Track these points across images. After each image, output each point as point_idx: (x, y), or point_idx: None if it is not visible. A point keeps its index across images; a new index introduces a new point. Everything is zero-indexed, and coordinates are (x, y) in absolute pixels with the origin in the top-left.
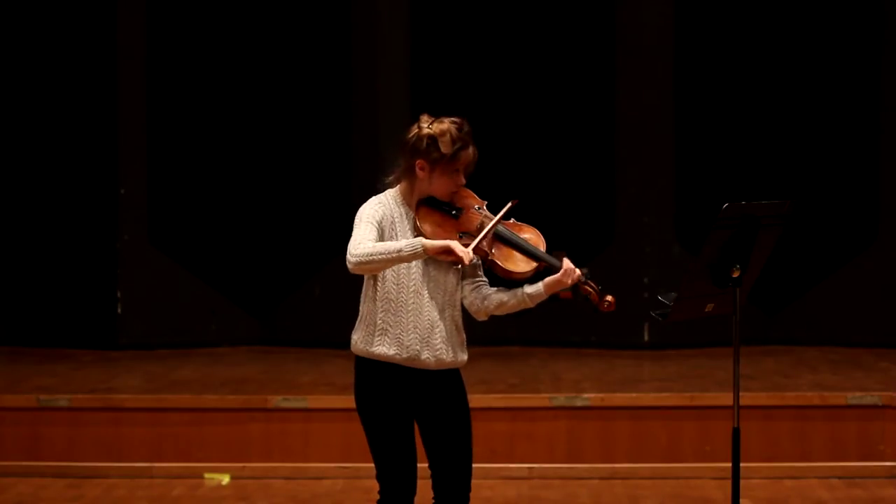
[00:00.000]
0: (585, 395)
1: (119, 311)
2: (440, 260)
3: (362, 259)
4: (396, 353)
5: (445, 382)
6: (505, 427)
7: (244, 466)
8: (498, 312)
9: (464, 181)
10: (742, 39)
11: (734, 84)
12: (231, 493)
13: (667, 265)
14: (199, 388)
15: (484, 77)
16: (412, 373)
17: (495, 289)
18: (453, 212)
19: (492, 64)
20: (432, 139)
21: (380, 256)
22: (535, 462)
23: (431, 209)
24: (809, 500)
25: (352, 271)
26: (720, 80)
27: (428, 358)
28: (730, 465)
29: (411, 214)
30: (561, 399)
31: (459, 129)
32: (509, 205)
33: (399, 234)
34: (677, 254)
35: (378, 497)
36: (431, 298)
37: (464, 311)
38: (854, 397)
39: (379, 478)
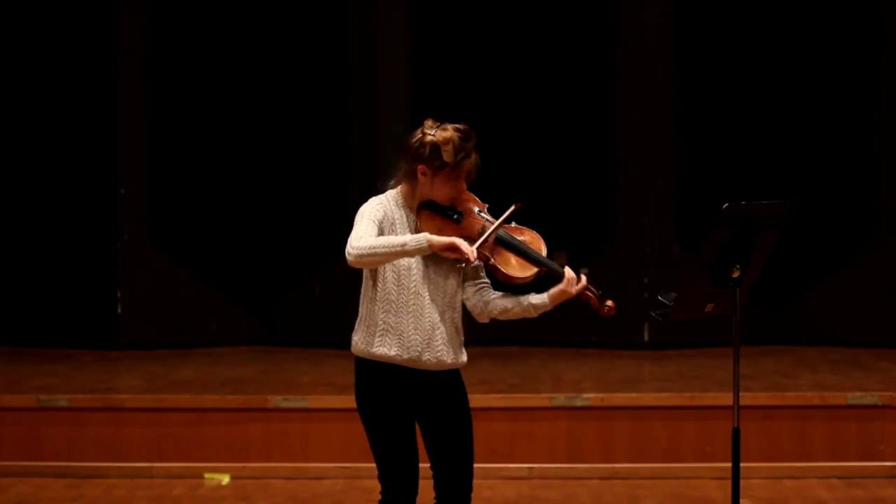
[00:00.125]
0: (585, 395)
1: (119, 311)
2: (444, 258)
3: (364, 251)
4: (398, 354)
5: (446, 383)
6: (505, 427)
7: (244, 466)
8: (501, 318)
9: (465, 187)
10: (742, 39)
11: (734, 84)
12: (231, 493)
13: (667, 265)
14: (199, 388)
15: (484, 77)
16: (413, 373)
17: (499, 294)
18: (455, 216)
19: (492, 64)
20: (435, 147)
21: (383, 249)
22: (535, 462)
23: (433, 213)
24: (809, 500)
25: (351, 264)
26: (720, 80)
27: (429, 359)
28: (730, 465)
29: (412, 217)
30: (561, 399)
31: (463, 138)
32: (511, 208)
33: (399, 235)
34: (677, 254)
35: (380, 498)
36: (432, 300)
37: (464, 312)
38: (854, 397)
39: (381, 478)
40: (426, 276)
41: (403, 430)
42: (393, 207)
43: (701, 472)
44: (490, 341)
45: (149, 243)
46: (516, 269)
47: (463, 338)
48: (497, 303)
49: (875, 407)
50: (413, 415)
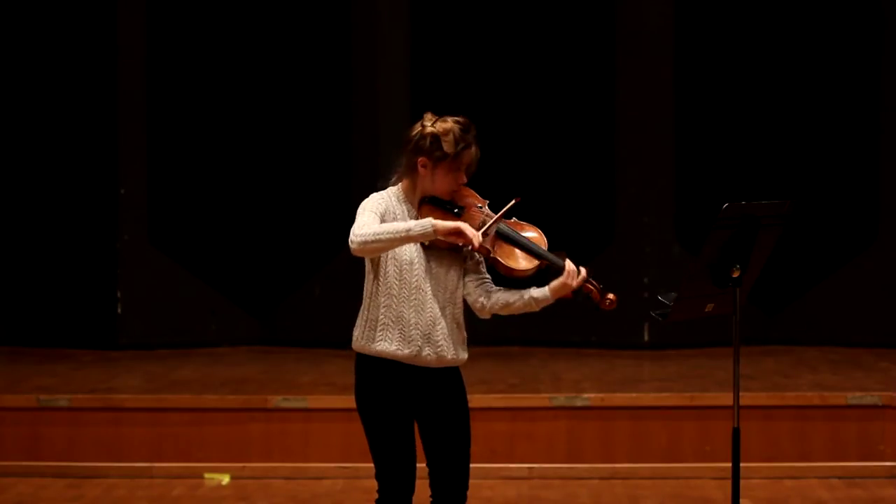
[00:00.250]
0: (585, 395)
1: (119, 311)
2: (445, 253)
3: (368, 238)
4: (398, 349)
5: (446, 381)
6: (505, 427)
7: (244, 466)
8: (503, 313)
9: (465, 180)
10: (742, 39)
11: (734, 84)
12: (231, 493)
13: (667, 265)
14: (199, 388)
15: (484, 77)
16: (413, 370)
17: (500, 288)
18: (455, 210)
19: (492, 64)
20: (435, 138)
21: (387, 235)
22: (535, 462)
23: (434, 207)
24: (809, 500)
25: (355, 252)
26: (720, 80)
27: (429, 354)
28: (730, 465)
29: (413, 212)
30: (561, 399)
31: (463, 129)
32: (512, 202)
33: None
34: (677, 254)
35: (377, 496)
36: (433, 294)
37: (465, 309)
38: (854, 397)
39: (378, 477)
40: (428, 271)
41: (402, 428)
42: (394, 203)
43: (701, 472)
44: (490, 341)
45: (149, 243)
46: (517, 261)
47: (465, 335)
48: (498, 297)
49: (875, 407)
50: (412, 413)
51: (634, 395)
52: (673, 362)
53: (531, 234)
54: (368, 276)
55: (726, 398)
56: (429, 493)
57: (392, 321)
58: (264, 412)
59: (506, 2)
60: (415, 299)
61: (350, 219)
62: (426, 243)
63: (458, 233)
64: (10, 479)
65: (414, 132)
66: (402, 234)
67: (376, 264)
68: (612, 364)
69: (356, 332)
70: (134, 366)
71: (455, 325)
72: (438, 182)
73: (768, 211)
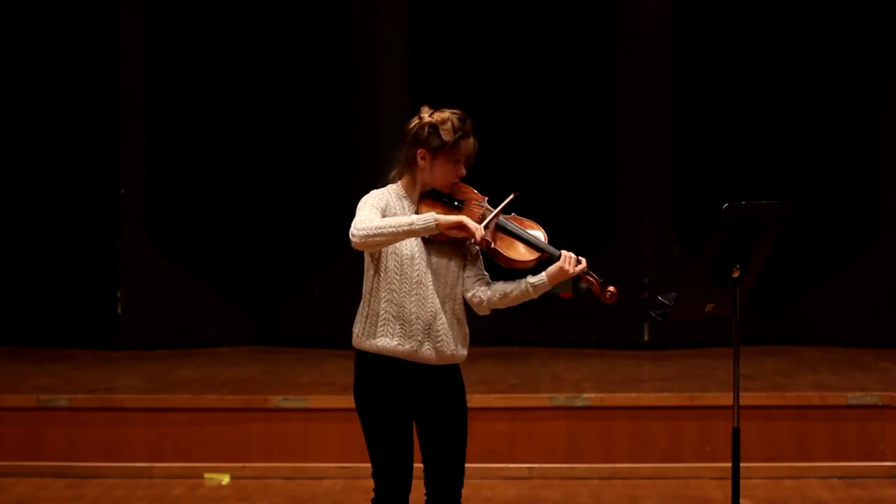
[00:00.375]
0: (585, 395)
1: (119, 311)
2: (446, 247)
3: (371, 231)
4: (399, 345)
5: (445, 378)
6: (505, 427)
7: (244, 466)
8: (501, 305)
9: (464, 172)
10: (742, 39)
11: (734, 84)
12: (231, 493)
13: (667, 265)
14: (199, 388)
15: (484, 77)
16: (412, 368)
17: (496, 282)
18: (455, 203)
19: (492, 64)
20: (433, 127)
21: (389, 229)
22: (535, 462)
23: (434, 201)
24: (809, 500)
25: (356, 246)
26: (720, 80)
27: (429, 349)
28: (730, 465)
29: (413, 208)
30: (561, 399)
31: (460, 118)
32: (512, 196)
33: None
34: (677, 254)
35: (373, 495)
36: (434, 288)
37: (466, 308)
38: (854, 397)
39: (374, 475)
40: (429, 265)
41: (400, 427)
42: (394, 199)
43: (701, 472)
44: (490, 341)
45: (149, 243)
46: (517, 253)
47: (467, 331)
48: (496, 288)
49: (875, 407)
50: (411, 411)
51: (634, 395)
52: (673, 362)
53: (531, 228)
54: (368, 272)
55: (726, 398)
56: (424, 492)
57: (393, 316)
58: (264, 412)
59: (506, 2)
60: (416, 294)
61: (350, 218)
62: (427, 237)
63: (461, 226)
64: (10, 479)
65: (412, 125)
66: (405, 228)
67: (376, 259)
68: (612, 364)
69: (356, 329)
70: (134, 366)
71: (455, 321)
72: (438, 174)
73: (768, 211)
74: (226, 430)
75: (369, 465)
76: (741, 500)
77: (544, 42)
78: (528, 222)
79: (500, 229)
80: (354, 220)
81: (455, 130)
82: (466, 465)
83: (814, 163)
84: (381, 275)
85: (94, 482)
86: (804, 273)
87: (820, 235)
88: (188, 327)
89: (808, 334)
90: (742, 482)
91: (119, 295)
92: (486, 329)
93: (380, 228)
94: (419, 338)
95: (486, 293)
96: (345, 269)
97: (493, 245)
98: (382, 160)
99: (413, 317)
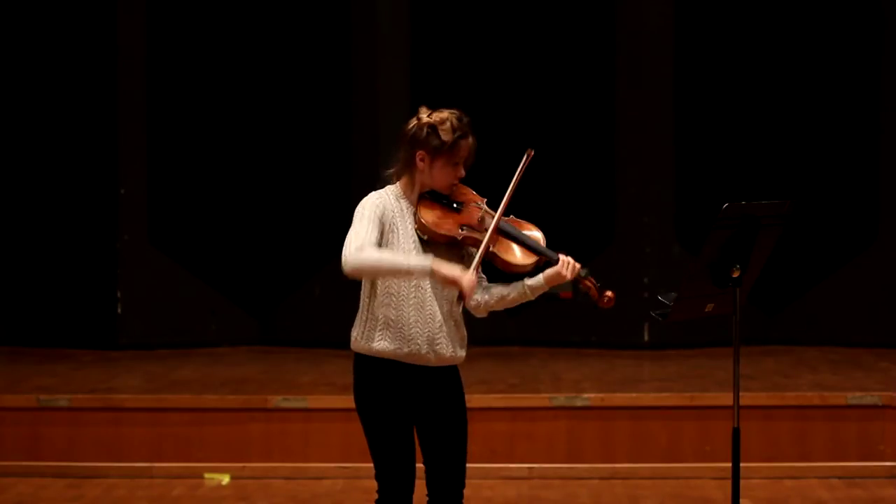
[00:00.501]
0: (585, 395)
1: (119, 311)
2: (445, 250)
3: (367, 263)
4: (398, 348)
5: (444, 380)
6: (505, 427)
7: (244, 466)
8: (498, 307)
9: (463, 173)
10: (742, 40)
11: (734, 84)
12: (231, 493)
13: (667, 265)
14: (199, 388)
15: (484, 77)
16: (412, 370)
17: (494, 284)
18: (455, 205)
19: (492, 64)
20: (432, 127)
21: (386, 266)
22: (535, 462)
23: (433, 202)
24: (809, 500)
25: (348, 272)
26: (720, 80)
27: (428, 352)
28: (730, 465)
29: (412, 209)
30: (561, 399)
31: (459, 119)
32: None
33: (400, 229)
34: (677, 254)
35: (376, 497)
36: (432, 292)
37: (463, 308)
38: (854, 397)
39: (378, 477)
40: None
41: (402, 429)
42: (393, 201)
43: (701, 472)
44: (490, 341)
45: (149, 243)
46: (515, 256)
47: (464, 333)
48: (493, 291)
49: (875, 407)
50: (411, 413)
51: (634, 395)
52: (673, 362)
53: (529, 230)
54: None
55: (726, 398)
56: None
57: (392, 320)
58: (264, 412)
59: (506, 2)
60: (414, 297)
61: (350, 219)
62: (424, 238)
63: (455, 283)
64: (10, 479)
65: (410, 125)
66: (402, 269)
67: None
68: (612, 364)
69: (355, 333)
70: (134, 366)
71: (453, 323)
72: (437, 175)
73: (768, 211)
74: (226, 430)
75: (369, 465)
76: (741, 500)
77: (544, 42)
78: (526, 224)
79: (499, 232)
80: (350, 234)
81: (454, 130)
82: (466, 465)
83: (814, 163)
84: (379, 279)
85: (94, 482)
86: (804, 273)
87: (820, 235)
88: (188, 327)
89: (808, 334)
90: (742, 482)
91: (119, 295)
92: (485, 329)
93: (377, 263)
94: (418, 341)
95: (484, 296)
96: None
97: (491, 248)
98: (382, 160)
99: (412, 320)
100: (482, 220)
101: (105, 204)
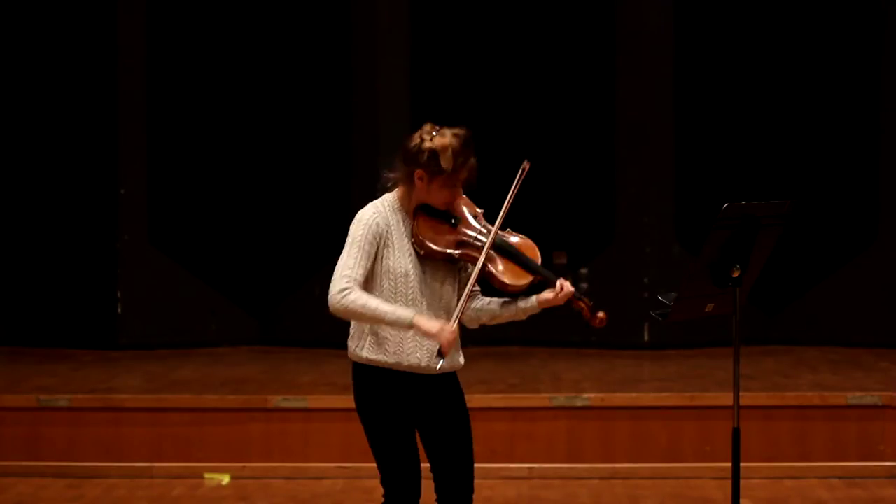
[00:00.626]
0: (585, 395)
1: (119, 311)
2: (440, 264)
3: (350, 309)
4: (397, 363)
5: (444, 386)
6: (505, 427)
7: (244, 466)
8: (489, 324)
9: (462, 192)
10: (742, 40)
11: (734, 84)
12: (231, 493)
13: (667, 265)
14: (199, 388)
15: (484, 77)
16: (411, 377)
17: (488, 300)
18: (452, 220)
19: (492, 64)
20: (433, 153)
21: (369, 314)
22: (535, 462)
23: (430, 217)
24: (809, 500)
25: (332, 309)
26: (720, 80)
27: (428, 365)
28: (730, 465)
29: (408, 221)
30: (561, 399)
31: (462, 144)
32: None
33: (396, 243)
34: (677, 254)
35: (382, 501)
36: (430, 306)
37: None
38: (854, 397)
39: (383, 482)
40: (423, 282)
41: (405, 434)
42: (389, 214)
43: (701, 472)
44: (490, 341)
45: (149, 243)
46: (512, 276)
47: (459, 341)
48: (487, 309)
49: (875, 407)
50: (413, 418)
51: (634, 395)
52: (673, 362)
53: (525, 246)
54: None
55: (726, 398)
56: (433, 495)
57: (389, 334)
58: (264, 412)
59: (506, 2)
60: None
61: (349, 220)
62: (421, 253)
63: (435, 339)
64: (10, 479)
65: (412, 144)
66: (385, 321)
67: (370, 281)
68: (612, 364)
69: (352, 344)
70: (134, 366)
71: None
72: (434, 194)
73: (768, 211)
74: (226, 430)
75: (369, 465)
76: (741, 500)
77: (544, 42)
78: (522, 240)
79: (497, 250)
80: (339, 264)
81: (455, 158)
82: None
83: (814, 163)
84: (376, 293)
85: (94, 482)
86: (804, 273)
87: (820, 235)
88: (188, 327)
89: (808, 334)
90: (742, 482)
91: (119, 295)
92: (486, 329)
93: (361, 311)
94: (417, 354)
95: (478, 311)
96: None
97: (487, 267)
98: (382, 160)
99: (409, 335)
100: (479, 236)
101: (105, 204)
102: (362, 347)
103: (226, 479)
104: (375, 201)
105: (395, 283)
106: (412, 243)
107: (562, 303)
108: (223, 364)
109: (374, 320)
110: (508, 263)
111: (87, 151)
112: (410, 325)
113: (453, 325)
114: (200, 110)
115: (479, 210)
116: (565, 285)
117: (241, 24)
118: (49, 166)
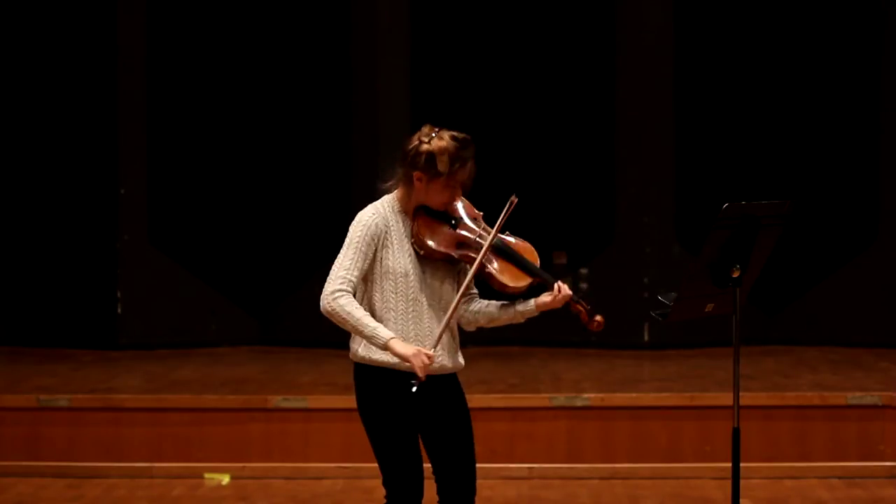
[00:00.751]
0: (585, 395)
1: (119, 311)
2: (440, 264)
3: (336, 314)
4: (400, 363)
5: (445, 387)
6: (505, 427)
7: (244, 466)
8: (487, 326)
9: (460, 195)
10: (742, 40)
11: (734, 84)
12: (231, 493)
13: (667, 265)
14: (199, 388)
15: (484, 77)
16: (412, 378)
17: (486, 302)
18: (452, 221)
19: (492, 64)
20: (431, 156)
21: (352, 322)
22: (535, 462)
23: (430, 219)
24: (809, 500)
25: (322, 308)
26: (720, 80)
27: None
28: (730, 465)
29: (408, 222)
30: (561, 399)
31: (459, 148)
32: (506, 211)
33: (395, 244)
34: (677, 254)
35: (384, 501)
36: (429, 306)
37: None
38: (854, 397)
39: (386, 483)
40: (423, 282)
41: (407, 434)
42: (389, 214)
43: (701, 472)
44: (490, 341)
45: (149, 243)
46: (510, 278)
47: (458, 340)
48: (485, 312)
49: (875, 407)
50: (415, 419)
51: (634, 395)
52: (673, 362)
53: (524, 248)
54: (359, 293)
55: (726, 398)
56: (435, 495)
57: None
58: (264, 412)
59: (506, 2)
60: (413, 311)
61: (349, 220)
62: (421, 253)
63: (409, 362)
64: (10, 479)
65: (410, 146)
66: (363, 335)
67: (370, 281)
68: (612, 364)
69: (354, 344)
70: (134, 366)
71: (450, 335)
72: (433, 196)
73: (768, 211)
74: (226, 430)
75: (369, 465)
76: (741, 500)
77: (544, 42)
78: (521, 242)
79: (496, 252)
80: (335, 264)
81: (452, 162)
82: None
83: (814, 163)
84: (377, 294)
85: (94, 482)
86: (804, 273)
87: (820, 235)
88: (188, 327)
89: (808, 334)
90: (742, 482)
91: (119, 295)
92: (485, 329)
93: (344, 318)
94: None
95: (476, 313)
96: None
97: (486, 269)
98: (382, 160)
99: (411, 334)
100: (478, 238)
101: (105, 204)
102: (364, 348)
103: (226, 479)
104: (375, 202)
105: (396, 283)
106: (412, 243)
107: (560, 306)
108: (223, 364)
109: (355, 330)
110: (507, 265)
111: (87, 151)
112: (385, 347)
113: (430, 351)
114: (200, 110)
115: (478, 213)
116: (563, 288)
117: (241, 25)
118: (49, 166)
